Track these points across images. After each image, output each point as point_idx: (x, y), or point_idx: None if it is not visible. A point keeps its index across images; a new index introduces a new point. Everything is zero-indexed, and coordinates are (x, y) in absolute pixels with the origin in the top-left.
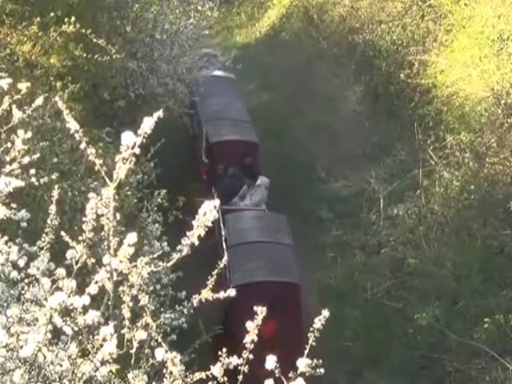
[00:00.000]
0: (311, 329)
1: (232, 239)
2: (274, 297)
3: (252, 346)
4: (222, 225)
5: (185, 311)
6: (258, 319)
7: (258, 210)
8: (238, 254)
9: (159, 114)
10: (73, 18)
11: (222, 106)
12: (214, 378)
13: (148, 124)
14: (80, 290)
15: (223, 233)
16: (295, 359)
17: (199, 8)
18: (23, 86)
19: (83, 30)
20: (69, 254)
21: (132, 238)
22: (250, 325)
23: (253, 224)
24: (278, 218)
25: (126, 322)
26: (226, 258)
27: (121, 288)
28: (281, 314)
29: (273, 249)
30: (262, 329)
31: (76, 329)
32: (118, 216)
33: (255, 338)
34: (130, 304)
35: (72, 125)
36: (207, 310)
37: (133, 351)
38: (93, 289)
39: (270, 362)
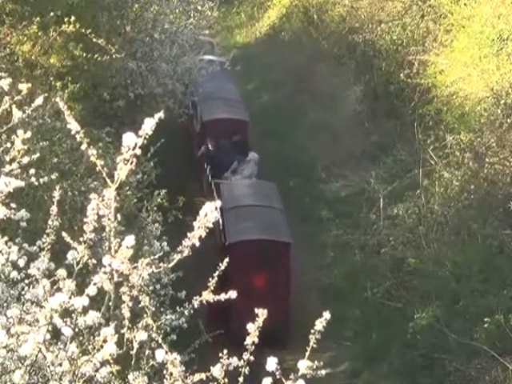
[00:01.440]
0: (312, 330)
1: (227, 204)
2: (266, 254)
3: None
4: (215, 195)
5: (185, 312)
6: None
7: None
8: (233, 216)
9: (160, 114)
10: (73, 18)
11: (214, 87)
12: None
13: (149, 125)
14: (80, 290)
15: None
16: (283, 309)
17: (199, 8)
18: (24, 86)
19: (83, 30)
20: (70, 254)
21: (130, 240)
22: (251, 326)
23: (245, 191)
24: (268, 185)
25: (126, 322)
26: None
27: (122, 289)
28: (272, 269)
29: (264, 212)
30: (255, 282)
31: (76, 330)
32: (119, 216)
33: (256, 340)
34: (130, 304)
35: (73, 126)
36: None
37: (133, 352)
38: (91, 290)
39: (271, 363)
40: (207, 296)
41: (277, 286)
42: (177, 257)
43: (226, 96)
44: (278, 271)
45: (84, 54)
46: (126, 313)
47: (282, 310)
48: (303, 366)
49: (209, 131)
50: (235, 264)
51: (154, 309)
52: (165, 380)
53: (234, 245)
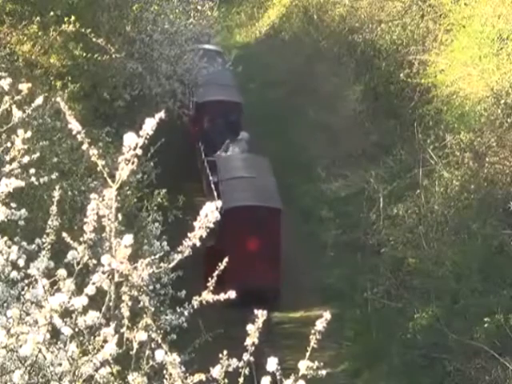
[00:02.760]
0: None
1: (223, 175)
2: (258, 218)
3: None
4: (208, 172)
5: (185, 313)
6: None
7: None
8: (229, 186)
9: (161, 114)
10: (72, 18)
11: (210, 72)
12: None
13: (150, 125)
14: (80, 290)
15: (210, 178)
16: (274, 270)
17: (199, 8)
18: (24, 86)
19: (83, 30)
20: (70, 254)
21: (128, 239)
22: (251, 328)
23: (240, 164)
24: (260, 159)
25: (126, 322)
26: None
27: (122, 289)
28: (264, 233)
29: (257, 182)
30: (248, 244)
31: (76, 330)
32: (120, 216)
33: (256, 341)
34: (130, 304)
35: (74, 126)
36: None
37: (133, 352)
38: (90, 290)
39: (271, 363)
40: (207, 296)
41: (268, 249)
42: (177, 257)
43: (220, 80)
44: (269, 235)
45: (84, 54)
46: (126, 312)
47: (273, 271)
48: (303, 366)
49: (203, 112)
50: (230, 228)
51: (153, 309)
52: (165, 380)
53: (230, 210)
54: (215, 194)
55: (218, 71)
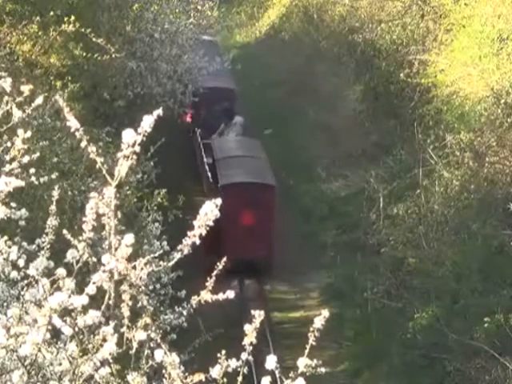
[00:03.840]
0: (311, 328)
1: (219, 155)
2: (253, 194)
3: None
4: (203, 154)
5: (184, 313)
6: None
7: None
8: (224, 164)
9: (159, 112)
10: (72, 18)
11: (205, 61)
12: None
13: (148, 122)
14: (80, 289)
15: (205, 160)
16: (267, 243)
17: (199, 7)
18: (26, 88)
19: (83, 30)
20: (69, 253)
21: (129, 238)
22: (248, 327)
23: (234, 145)
24: (253, 141)
25: (126, 321)
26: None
27: (121, 288)
28: (258, 207)
29: (252, 161)
30: (243, 218)
31: (76, 329)
32: (119, 215)
33: (254, 341)
34: (130, 303)
35: (72, 123)
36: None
37: (132, 352)
38: (91, 289)
39: (271, 362)
40: (206, 295)
41: (262, 223)
42: (177, 256)
43: (216, 68)
44: (263, 210)
45: (84, 54)
46: (126, 312)
47: (267, 244)
48: (302, 363)
49: (200, 98)
50: (226, 203)
51: (152, 308)
52: (164, 380)
53: (225, 186)
54: (209, 174)
55: (212, 59)
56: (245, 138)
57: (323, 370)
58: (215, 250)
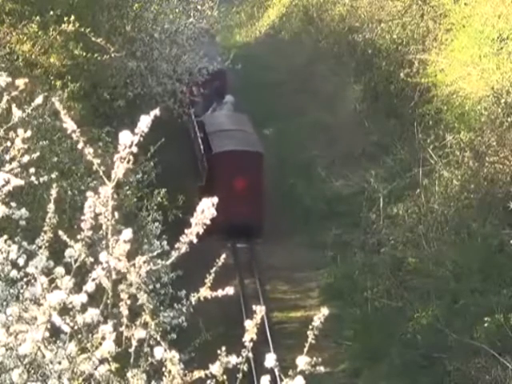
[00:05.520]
0: (310, 326)
1: (210, 128)
2: (243, 161)
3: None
4: (197, 130)
5: (184, 310)
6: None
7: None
8: (216, 136)
9: (156, 112)
10: (72, 17)
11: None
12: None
13: (145, 122)
14: (79, 288)
15: (198, 134)
16: (257, 206)
17: (199, 7)
18: (21, 82)
19: (83, 29)
20: (67, 252)
21: (127, 234)
22: (249, 323)
23: (224, 120)
24: (242, 116)
25: (125, 320)
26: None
27: (120, 286)
28: (247, 174)
29: (241, 133)
30: (234, 184)
31: (75, 327)
32: (117, 215)
33: (254, 337)
34: (128, 302)
35: (69, 125)
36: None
37: (132, 350)
38: (90, 286)
39: (270, 360)
40: (205, 292)
41: (251, 188)
42: (175, 254)
43: (206, 52)
44: (252, 176)
45: (84, 54)
46: (125, 310)
47: (256, 207)
48: (302, 362)
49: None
50: (219, 170)
51: (152, 306)
52: (164, 378)
53: (217, 155)
54: (202, 147)
55: (206, 45)
56: (234, 113)
57: (322, 368)
58: None
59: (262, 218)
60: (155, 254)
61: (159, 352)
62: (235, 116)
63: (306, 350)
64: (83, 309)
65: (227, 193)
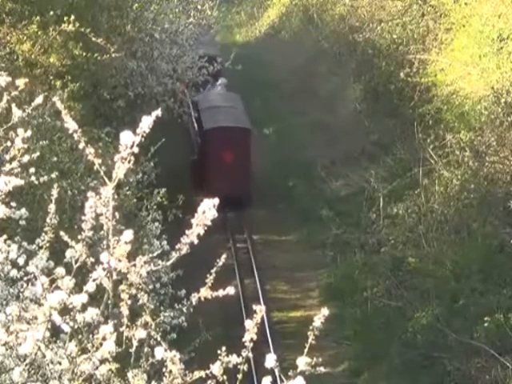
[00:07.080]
0: (310, 327)
1: (203, 105)
2: (232, 136)
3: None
4: (191, 109)
5: (184, 309)
6: None
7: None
8: (208, 113)
9: (158, 112)
10: (72, 17)
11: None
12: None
13: (146, 123)
14: (79, 288)
15: (192, 113)
16: (245, 179)
17: (199, 7)
18: (21, 82)
19: (83, 29)
20: (68, 253)
21: (128, 235)
22: (249, 323)
23: (216, 97)
24: (233, 94)
25: (125, 320)
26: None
27: (120, 287)
28: (236, 148)
29: (231, 110)
30: (224, 157)
31: (75, 327)
32: (117, 215)
33: (254, 337)
34: (129, 302)
35: (70, 125)
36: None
37: (132, 350)
38: (90, 286)
39: (270, 360)
40: (205, 292)
41: (240, 162)
42: (175, 255)
43: (204, 41)
44: (241, 150)
45: (84, 54)
46: (125, 311)
47: (245, 180)
48: (302, 362)
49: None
50: (210, 144)
51: (152, 306)
52: (164, 378)
53: (209, 131)
54: (195, 124)
55: (203, 35)
56: (225, 92)
57: (322, 368)
58: (201, 184)
59: (250, 188)
60: (155, 254)
61: (160, 352)
62: (227, 95)
63: (306, 350)
64: (84, 309)
65: (217, 165)
